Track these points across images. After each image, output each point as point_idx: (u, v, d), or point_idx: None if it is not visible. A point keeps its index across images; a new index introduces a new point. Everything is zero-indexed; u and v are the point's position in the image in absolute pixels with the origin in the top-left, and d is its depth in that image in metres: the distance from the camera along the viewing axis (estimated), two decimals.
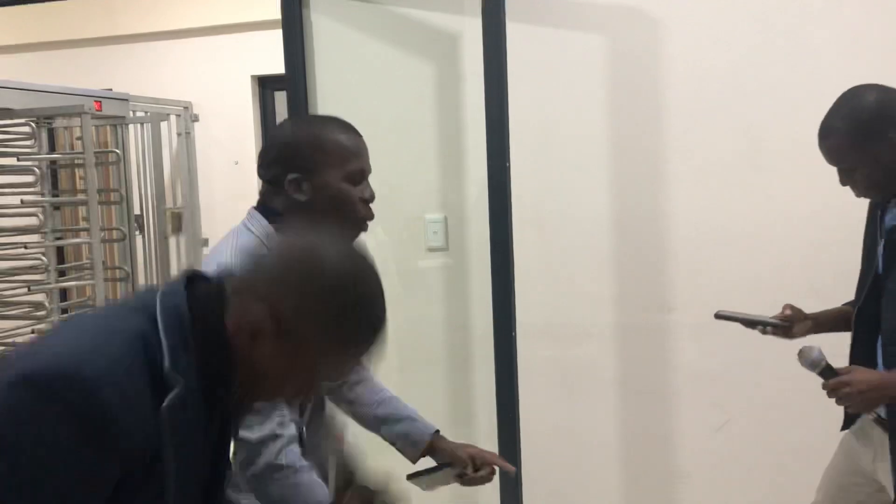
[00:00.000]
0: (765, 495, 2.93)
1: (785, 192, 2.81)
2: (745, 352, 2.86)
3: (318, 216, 1.69)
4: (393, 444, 1.97)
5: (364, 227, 1.76)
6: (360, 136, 1.77)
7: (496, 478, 2.65)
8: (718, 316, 2.18)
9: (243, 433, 1.56)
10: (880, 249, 2.05)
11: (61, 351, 1.02)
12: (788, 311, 2.19)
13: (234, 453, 1.61)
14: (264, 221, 1.70)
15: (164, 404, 1.04)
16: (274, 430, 1.57)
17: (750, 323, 2.18)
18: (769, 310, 2.25)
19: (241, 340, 1.12)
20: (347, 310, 1.13)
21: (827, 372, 1.94)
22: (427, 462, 1.95)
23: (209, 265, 1.62)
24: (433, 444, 1.95)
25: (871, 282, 2.06)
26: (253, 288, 1.13)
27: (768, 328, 2.17)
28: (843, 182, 2.01)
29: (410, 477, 1.89)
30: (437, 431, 1.97)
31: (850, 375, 1.92)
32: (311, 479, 1.60)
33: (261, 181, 1.76)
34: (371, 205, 1.76)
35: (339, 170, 1.70)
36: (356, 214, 1.73)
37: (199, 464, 1.15)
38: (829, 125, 1.98)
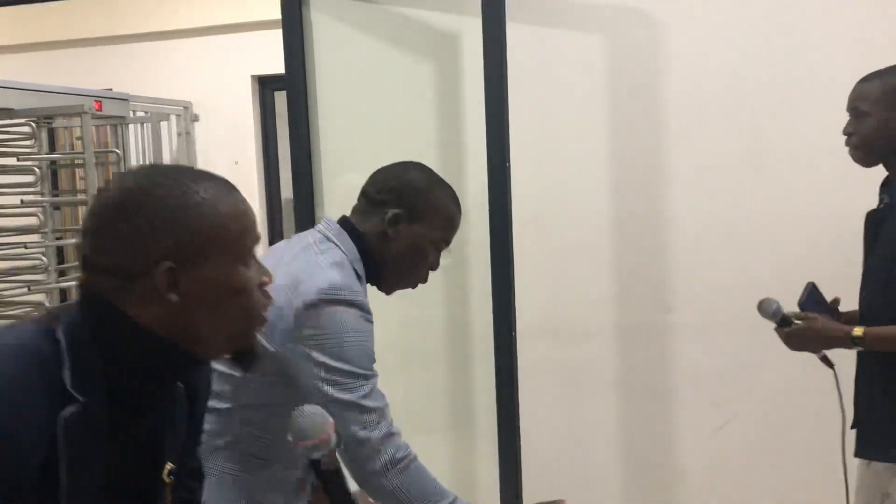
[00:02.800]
0: (765, 495, 2.93)
1: (785, 192, 2.81)
2: (745, 352, 2.86)
3: (392, 257, 1.77)
4: None
5: (413, 286, 1.86)
6: (461, 211, 1.85)
7: (496, 477, 2.65)
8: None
9: (361, 432, 1.61)
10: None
11: None
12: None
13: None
14: (349, 240, 1.75)
15: (62, 415, 1.00)
16: (391, 428, 1.64)
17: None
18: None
19: (153, 312, 1.06)
20: (192, 192, 1.08)
21: (783, 322, 2.12)
22: None
23: (298, 280, 1.63)
24: None
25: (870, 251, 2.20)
26: (115, 261, 1.06)
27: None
28: (847, 129, 2.12)
29: None
30: None
31: (801, 326, 2.10)
32: (424, 466, 1.68)
33: (363, 196, 1.81)
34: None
35: (435, 232, 1.78)
36: (421, 276, 1.83)
37: (101, 478, 1.08)
38: (867, 76, 2.14)
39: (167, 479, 1.17)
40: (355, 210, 1.81)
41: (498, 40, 2.54)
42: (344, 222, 1.79)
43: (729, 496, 2.97)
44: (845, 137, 2.14)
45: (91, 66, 5.90)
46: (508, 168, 2.58)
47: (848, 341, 2.04)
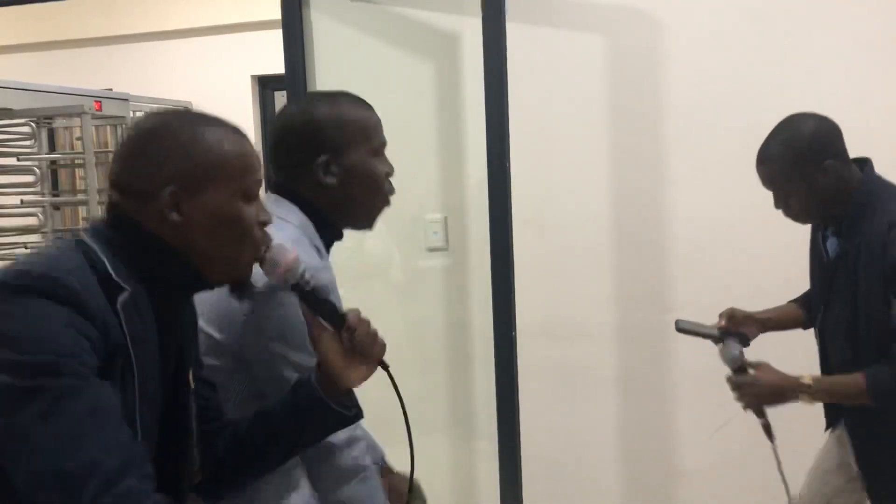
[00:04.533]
0: (765, 495, 2.92)
1: None
2: (745, 352, 2.86)
3: (348, 197, 1.63)
4: None
5: (388, 202, 1.70)
6: (373, 108, 1.73)
7: (496, 477, 2.66)
8: (679, 329, 2.27)
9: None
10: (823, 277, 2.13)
11: (25, 264, 1.12)
12: (723, 322, 2.25)
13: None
14: (298, 211, 1.60)
15: (119, 300, 1.14)
16: (355, 432, 1.54)
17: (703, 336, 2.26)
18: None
19: (166, 230, 1.20)
20: (203, 130, 1.23)
21: (740, 369, 2.07)
22: None
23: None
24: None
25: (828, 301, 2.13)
26: (135, 183, 1.21)
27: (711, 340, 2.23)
28: (777, 205, 2.07)
29: None
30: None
31: (756, 375, 2.04)
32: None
33: (276, 169, 1.66)
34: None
35: (366, 146, 1.64)
36: (384, 190, 1.67)
37: (157, 370, 1.22)
38: (767, 151, 2.06)
39: (192, 383, 1.31)
40: (277, 185, 1.65)
41: (498, 40, 2.54)
42: (284, 195, 1.63)
43: (729, 496, 2.97)
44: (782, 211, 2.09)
45: (91, 66, 5.90)
46: (508, 168, 2.58)
47: (796, 391, 1.98)
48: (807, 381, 1.97)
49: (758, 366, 2.07)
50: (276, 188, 1.65)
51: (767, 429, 2.11)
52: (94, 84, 5.32)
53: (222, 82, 5.92)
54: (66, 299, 1.06)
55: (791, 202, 2.04)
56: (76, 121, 4.70)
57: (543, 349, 2.99)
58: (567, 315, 3.02)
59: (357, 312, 1.36)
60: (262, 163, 1.31)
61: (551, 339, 3.02)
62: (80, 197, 4.78)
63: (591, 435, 3.05)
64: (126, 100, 5.14)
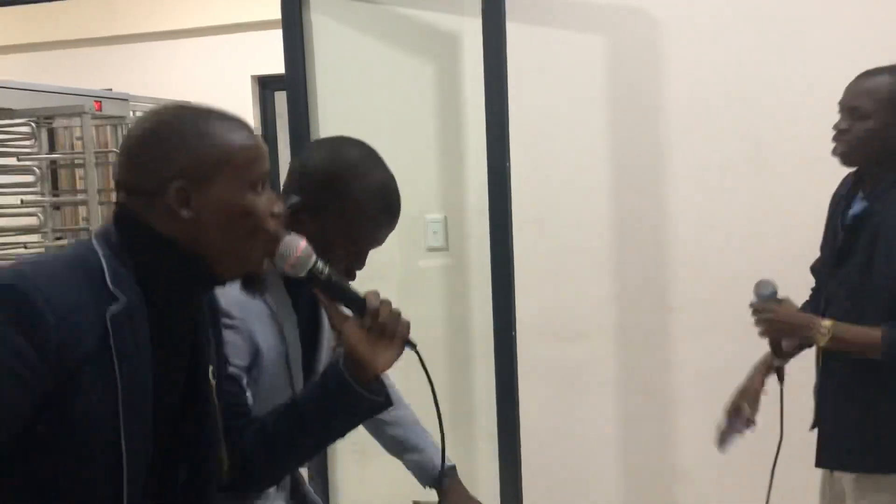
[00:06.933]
0: (765, 495, 2.92)
1: (785, 192, 2.81)
2: (746, 351, 2.85)
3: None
4: (406, 466, 1.94)
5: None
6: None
7: (496, 477, 2.66)
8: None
9: None
10: (839, 238, 2.11)
11: (5, 273, 1.12)
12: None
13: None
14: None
15: (109, 310, 1.13)
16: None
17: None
18: None
19: (175, 227, 1.18)
20: (206, 124, 1.21)
21: (766, 301, 2.10)
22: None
23: None
24: (441, 485, 1.92)
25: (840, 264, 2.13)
26: (140, 181, 1.19)
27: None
28: (840, 126, 2.04)
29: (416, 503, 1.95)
30: (445, 470, 1.88)
31: (775, 307, 2.09)
32: None
33: None
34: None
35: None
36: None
37: (149, 381, 1.19)
38: (870, 72, 2.02)
39: (212, 379, 1.29)
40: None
41: (498, 40, 2.55)
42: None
43: (729, 496, 2.97)
44: (834, 133, 2.06)
45: (91, 66, 5.91)
46: (508, 168, 2.58)
47: (812, 329, 2.00)
48: (826, 322, 2.00)
49: (783, 301, 2.10)
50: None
51: (780, 371, 2.20)
52: (94, 84, 5.32)
53: (222, 82, 5.92)
54: (12, 304, 1.07)
55: (855, 129, 2.00)
56: (76, 121, 4.70)
57: (543, 349, 2.99)
58: (567, 315, 3.02)
59: (375, 293, 1.35)
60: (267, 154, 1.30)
61: (551, 339, 3.02)
62: (80, 197, 4.78)
63: (591, 435, 3.05)
64: (126, 100, 5.14)
